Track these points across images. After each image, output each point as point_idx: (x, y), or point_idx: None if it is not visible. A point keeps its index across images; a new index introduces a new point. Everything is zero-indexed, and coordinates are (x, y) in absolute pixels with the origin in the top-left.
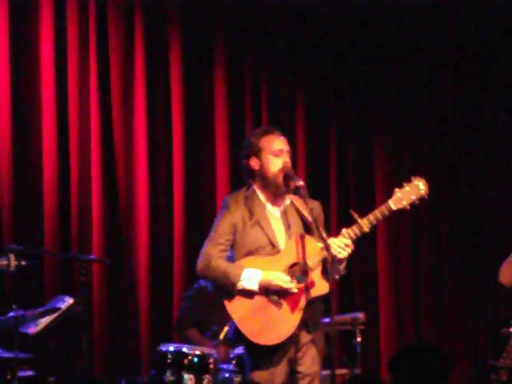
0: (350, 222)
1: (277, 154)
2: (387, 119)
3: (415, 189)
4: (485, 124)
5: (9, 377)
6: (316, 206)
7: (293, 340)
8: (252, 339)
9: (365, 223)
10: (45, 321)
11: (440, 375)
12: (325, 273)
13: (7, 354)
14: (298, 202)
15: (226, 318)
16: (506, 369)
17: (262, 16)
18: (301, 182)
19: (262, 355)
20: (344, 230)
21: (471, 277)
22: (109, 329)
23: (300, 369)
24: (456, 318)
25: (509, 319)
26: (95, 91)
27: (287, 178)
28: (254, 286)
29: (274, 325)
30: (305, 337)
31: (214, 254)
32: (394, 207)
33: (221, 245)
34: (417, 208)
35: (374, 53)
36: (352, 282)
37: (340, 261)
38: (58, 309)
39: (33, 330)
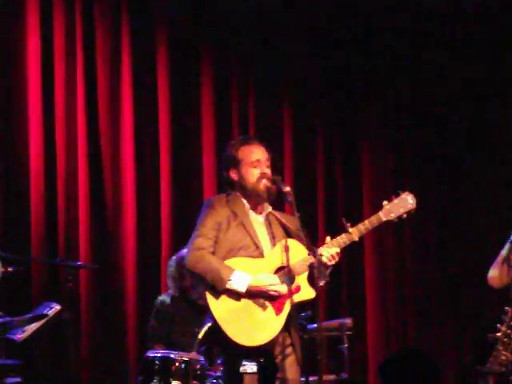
0: (336, 231)
1: (255, 165)
2: (374, 129)
3: (404, 202)
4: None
5: None
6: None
7: (274, 343)
8: (233, 338)
9: (355, 232)
10: (32, 327)
11: (430, 381)
12: (311, 278)
13: None
14: (279, 214)
15: (189, 327)
16: (493, 374)
17: (252, 24)
18: (287, 188)
19: (243, 356)
20: (329, 238)
21: (458, 282)
22: (96, 335)
23: (280, 374)
24: (443, 323)
25: (495, 324)
26: (82, 101)
27: (273, 183)
28: (242, 289)
29: (257, 326)
30: (286, 341)
31: (206, 247)
32: (383, 218)
33: (210, 239)
34: (403, 220)
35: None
36: (339, 287)
37: (326, 267)
38: (45, 315)
39: (20, 336)
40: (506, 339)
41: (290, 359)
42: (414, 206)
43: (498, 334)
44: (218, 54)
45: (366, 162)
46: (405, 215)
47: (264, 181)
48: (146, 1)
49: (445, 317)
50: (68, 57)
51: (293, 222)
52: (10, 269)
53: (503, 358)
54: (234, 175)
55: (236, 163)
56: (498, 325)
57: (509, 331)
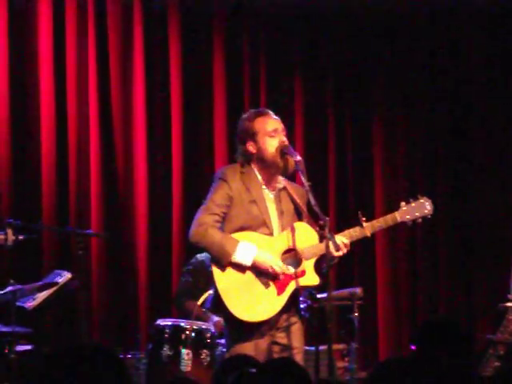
0: (346, 207)
1: (272, 135)
2: (387, 105)
3: (421, 207)
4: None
5: (6, 351)
6: (304, 192)
7: (274, 322)
8: (232, 311)
9: (368, 228)
10: (42, 295)
11: (466, 350)
12: (317, 266)
13: (4, 329)
14: (290, 188)
15: None
16: (504, 343)
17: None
18: (298, 157)
19: (244, 328)
20: (346, 231)
21: (469, 250)
22: (107, 303)
23: (283, 342)
24: (454, 292)
25: (507, 294)
26: (94, 69)
27: (284, 153)
28: (248, 262)
29: (256, 303)
30: (289, 318)
31: (209, 222)
32: (398, 219)
33: (216, 215)
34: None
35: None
36: (350, 256)
37: (333, 257)
38: (56, 283)
39: (30, 304)
40: None
41: (294, 329)
42: (431, 212)
43: (509, 304)
44: (230, 27)
45: (378, 137)
46: (420, 220)
47: (281, 150)
48: None
49: (456, 285)
50: (79, 32)
51: (304, 196)
52: (20, 237)
53: None
54: (251, 148)
55: (252, 135)
56: (509, 295)
57: None
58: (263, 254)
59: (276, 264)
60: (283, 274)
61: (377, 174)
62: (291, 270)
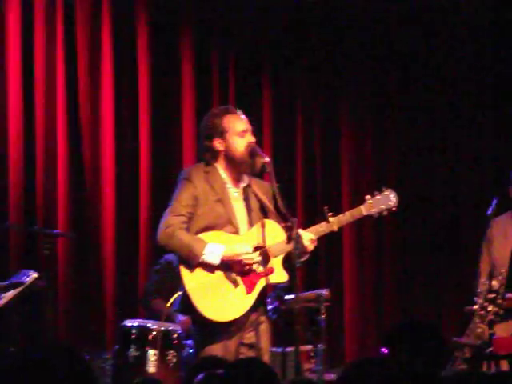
0: (314, 206)
1: (242, 135)
2: (355, 103)
3: (386, 199)
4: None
5: None
6: (269, 187)
7: (244, 321)
8: (202, 313)
9: (335, 222)
10: (8, 295)
11: (440, 354)
12: (286, 262)
13: None
14: (255, 184)
15: None
16: (470, 346)
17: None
18: (267, 159)
19: (213, 329)
20: (312, 227)
21: (435, 253)
22: (73, 303)
23: (250, 341)
24: (419, 295)
25: (473, 297)
26: (62, 62)
27: (253, 155)
28: (216, 261)
29: (226, 302)
30: (257, 317)
31: (176, 223)
32: (364, 213)
33: (182, 216)
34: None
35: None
36: (317, 258)
37: (300, 254)
38: (22, 283)
39: None
40: (482, 312)
41: (261, 329)
42: (396, 204)
43: (475, 307)
44: (199, 27)
45: (346, 134)
46: (385, 212)
47: (250, 151)
48: None
49: (422, 288)
50: (48, 24)
51: (269, 192)
52: None
53: (480, 330)
54: (218, 145)
55: (221, 133)
56: (475, 297)
57: (485, 304)
58: (230, 249)
59: (245, 253)
60: (254, 259)
61: (344, 171)
62: (260, 268)
